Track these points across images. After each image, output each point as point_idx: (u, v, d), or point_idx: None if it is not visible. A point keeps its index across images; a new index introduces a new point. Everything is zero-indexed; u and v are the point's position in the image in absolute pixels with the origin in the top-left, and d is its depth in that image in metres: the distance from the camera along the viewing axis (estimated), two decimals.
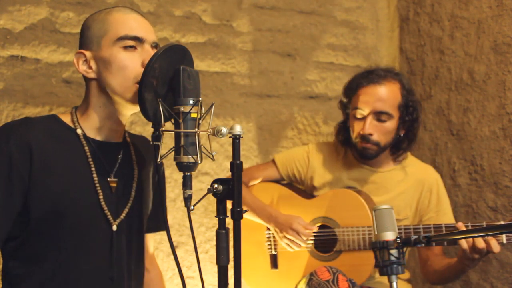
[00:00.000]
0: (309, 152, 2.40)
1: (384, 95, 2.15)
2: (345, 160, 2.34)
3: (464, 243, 1.91)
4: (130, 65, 1.53)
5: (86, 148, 1.58)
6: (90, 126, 1.61)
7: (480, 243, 1.88)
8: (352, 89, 2.23)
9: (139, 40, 1.55)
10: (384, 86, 2.16)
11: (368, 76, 2.18)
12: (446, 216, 2.22)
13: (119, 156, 1.66)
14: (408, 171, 2.28)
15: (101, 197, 1.58)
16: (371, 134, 2.15)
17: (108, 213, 1.59)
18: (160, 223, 1.88)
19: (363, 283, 2.14)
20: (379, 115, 2.15)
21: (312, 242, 2.25)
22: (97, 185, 1.58)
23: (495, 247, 1.87)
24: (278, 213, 2.27)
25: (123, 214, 1.63)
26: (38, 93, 2.24)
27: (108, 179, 1.61)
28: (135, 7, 2.42)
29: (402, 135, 2.24)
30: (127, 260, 1.65)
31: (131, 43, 1.55)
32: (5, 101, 2.18)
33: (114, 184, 1.62)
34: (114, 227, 1.60)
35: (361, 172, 2.30)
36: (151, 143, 1.81)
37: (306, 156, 2.40)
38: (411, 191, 2.24)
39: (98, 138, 1.62)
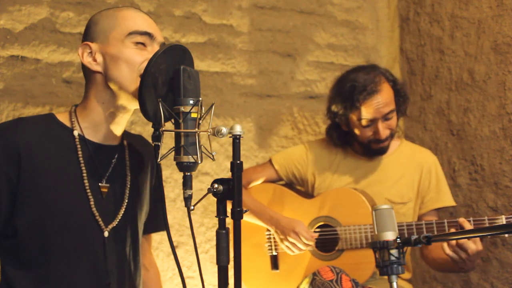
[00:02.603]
0: (306, 150, 2.41)
1: (386, 98, 2.18)
2: (342, 153, 2.37)
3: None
4: (139, 60, 1.52)
5: (80, 152, 1.56)
6: (89, 125, 1.58)
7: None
8: (350, 107, 2.19)
9: (149, 36, 1.54)
10: (382, 91, 2.17)
11: (365, 90, 2.16)
12: (446, 195, 2.28)
13: (113, 161, 1.63)
14: (406, 155, 2.33)
15: (92, 202, 1.56)
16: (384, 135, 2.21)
17: (99, 219, 1.57)
18: (158, 223, 1.86)
19: (366, 281, 2.14)
20: (385, 116, 2.18)
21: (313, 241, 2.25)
22: (88, 190, 1.55)
23: (467, 226, 1.94)
24: (279, 215, 2.27)
25: (116, 220, 1.61)
26: (38, 93, 2.24)
27: (100, 184, 1.59)
28: (135, 7, 2.42)
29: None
30: (121, 266, 1.63)
31: (141, 39, 1.53)
32: (5, 101, 2.18)
33: (105, 190, 1.60)
34: (106, 233, 1.58)
35: (361, 162, 2.33)
36: (149, 142, 1.80)
37: (304, 153, 2.40)
38: (411, 173, 2.28)
39: (95, 139, 1.59)
